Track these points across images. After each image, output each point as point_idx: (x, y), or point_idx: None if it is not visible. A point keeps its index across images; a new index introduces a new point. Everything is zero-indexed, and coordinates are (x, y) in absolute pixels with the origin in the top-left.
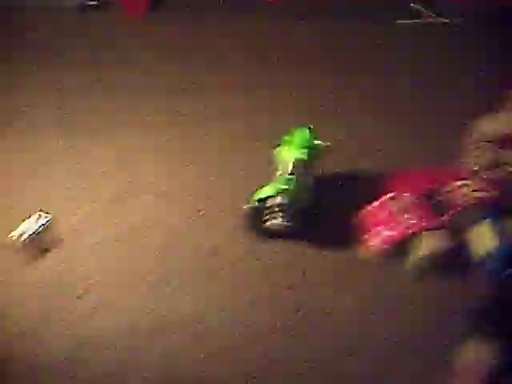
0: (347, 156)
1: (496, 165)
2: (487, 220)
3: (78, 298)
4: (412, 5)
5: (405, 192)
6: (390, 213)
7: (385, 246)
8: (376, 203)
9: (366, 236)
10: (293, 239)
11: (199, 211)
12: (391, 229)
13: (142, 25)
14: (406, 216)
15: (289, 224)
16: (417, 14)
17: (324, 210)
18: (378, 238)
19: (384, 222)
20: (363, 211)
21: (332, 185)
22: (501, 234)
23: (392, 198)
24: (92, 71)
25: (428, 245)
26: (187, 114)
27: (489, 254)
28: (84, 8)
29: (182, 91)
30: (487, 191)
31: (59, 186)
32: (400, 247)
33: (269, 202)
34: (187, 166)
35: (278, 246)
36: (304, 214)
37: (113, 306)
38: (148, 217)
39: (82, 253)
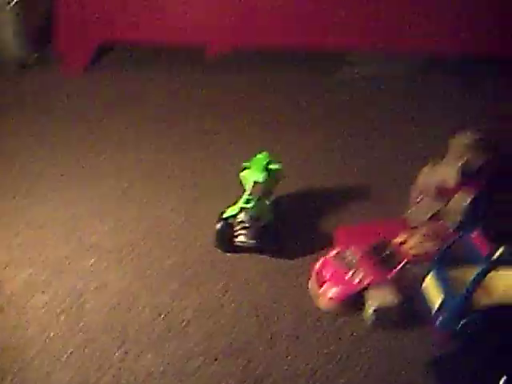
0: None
1: (438, 217)
2: (434, 273)
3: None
4: (348, 58)
5: (352, 246)
6: (339, 267)
7: (337, 301)
8: (325, 257)
9: (320, 289)
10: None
11: (147, 270)
12: (341, 284)
13: (83, 80)
14: (354, 271)
15: (252, 241)
16: (354, 66)
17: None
18: (331, 292)
19: (334, 277)
20: (314, 265)
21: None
22: (448, 286)
23: (340, 252)
24: (32, 129)
25: (378, 299)
26: (132, 166)
27: (439, 308)
28: (21, 63)
29: (127, 144)
30: (432, 243)
31: None
32: (353, 301)
33: (234, 220)
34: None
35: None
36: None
37: (59, 371)
38: (92, 280)
39: (25, 319)
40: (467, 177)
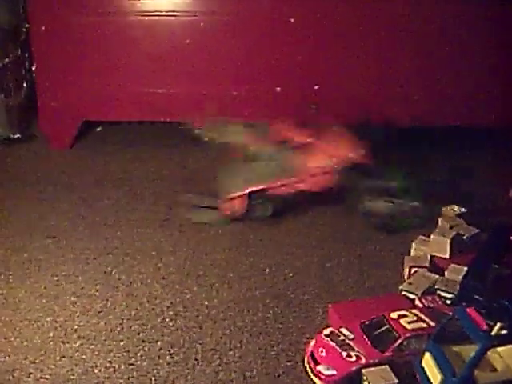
0: None
1: (431, 292)
2: (431, 350)
3: None
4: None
5: (344, 325)
6: (333, 346)
7: (334, 381)
8: (319, 335)
9: (316, 369)
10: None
11: (135, 355)
12: (337, 363)
13: (68, 155)
14: (350, 349)
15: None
16: None
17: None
18: (326, 372)
19: (329, 357)
20: (308, 345)
21: None
22: (447, 365)
23: (334, 330)
24: (14, 207)
25: (376, 379)
26: (119, 245)
27: None
28: (6, 141)
29: (112, 225)
30: (428, 319)
31: None
32: (350, 380)
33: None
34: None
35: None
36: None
37: None
38: (78, 365)
39: None
40: (460, 248)
